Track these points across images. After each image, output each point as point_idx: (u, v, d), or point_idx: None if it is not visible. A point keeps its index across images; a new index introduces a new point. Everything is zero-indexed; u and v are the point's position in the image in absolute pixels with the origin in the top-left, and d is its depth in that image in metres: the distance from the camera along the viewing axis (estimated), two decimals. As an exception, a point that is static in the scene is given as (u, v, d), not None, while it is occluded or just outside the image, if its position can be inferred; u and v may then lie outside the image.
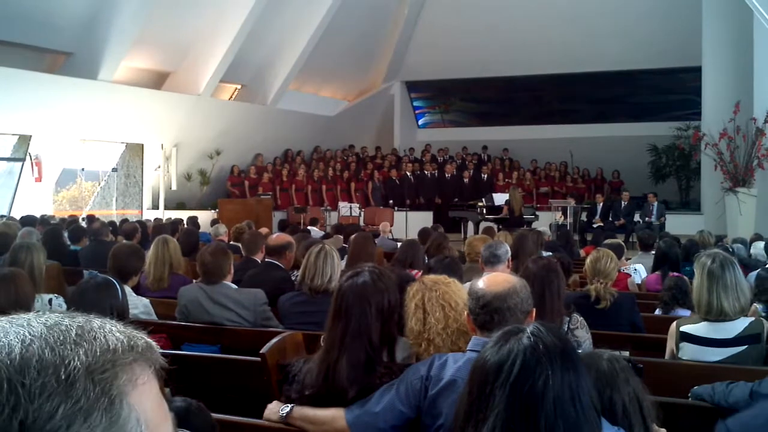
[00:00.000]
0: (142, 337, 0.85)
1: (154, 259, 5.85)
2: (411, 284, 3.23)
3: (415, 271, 5.59)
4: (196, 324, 4.77)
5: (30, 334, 0.77)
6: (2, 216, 12.95)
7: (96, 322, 0.83)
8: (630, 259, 8.58)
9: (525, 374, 1.61)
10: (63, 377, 0.75)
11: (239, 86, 19.93)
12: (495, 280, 2.65)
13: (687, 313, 5.04)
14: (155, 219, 14.55)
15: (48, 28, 14.25)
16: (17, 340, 0.76)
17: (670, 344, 4.14)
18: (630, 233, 15.45)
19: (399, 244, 8.85)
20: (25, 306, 3.68)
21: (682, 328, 4.03)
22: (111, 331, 0.82)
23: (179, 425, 1.96)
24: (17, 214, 13.15)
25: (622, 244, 8.60)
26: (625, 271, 7.39)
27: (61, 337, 0.78)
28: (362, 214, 18.49)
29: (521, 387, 1.60)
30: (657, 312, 5.66)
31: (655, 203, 16.37)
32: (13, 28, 13.71)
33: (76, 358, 0.76)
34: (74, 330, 0.79)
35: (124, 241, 8.04)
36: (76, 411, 0.74)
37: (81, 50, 15.11)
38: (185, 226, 11.65)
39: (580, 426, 1.60)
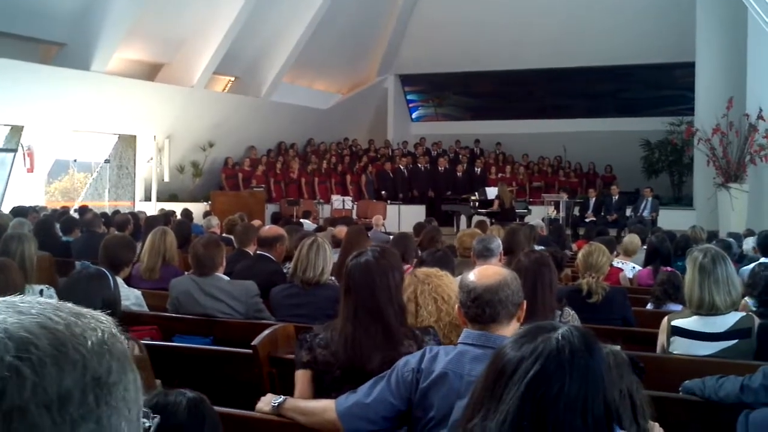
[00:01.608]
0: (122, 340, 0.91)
1: (149, 248, 5.86)
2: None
3: (407, 265, 5.58)
4: (188, 316, 4.76)
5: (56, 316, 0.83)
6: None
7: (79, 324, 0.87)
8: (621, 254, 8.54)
9: (541, 378, 1.57)
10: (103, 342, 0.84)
11: (233, 78, 19.86)
12: (486, 272, 2.64)
13: (679, 307, 5.05)
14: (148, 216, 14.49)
15: (41, 18, 14.15)
16: (57, 318, 0.83)
17: (662, 338, 4.16)
18: (622, 228, 15.45)
19: (391, 237, 8.82)
20: (16, 296, 3.66)
21: (673, 323, 4.04)
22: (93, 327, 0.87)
23: (192, 417, 1.95)
24: (9, 206, 13.08)
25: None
26: (617, 265, 7.40)
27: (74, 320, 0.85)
28: (355, 207, 18.49)
29: (535, 390, 1.57)
30: (649, 306, 5.68)
31: (650, 198, 16.32)
32: (6, 18, 13.61)
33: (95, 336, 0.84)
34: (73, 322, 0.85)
35: (116, 232, 8.02)
36: (125, 368, 0.84)
37: (74, 41, 15.02)
38: (178, 217, 11.62)
39: None
